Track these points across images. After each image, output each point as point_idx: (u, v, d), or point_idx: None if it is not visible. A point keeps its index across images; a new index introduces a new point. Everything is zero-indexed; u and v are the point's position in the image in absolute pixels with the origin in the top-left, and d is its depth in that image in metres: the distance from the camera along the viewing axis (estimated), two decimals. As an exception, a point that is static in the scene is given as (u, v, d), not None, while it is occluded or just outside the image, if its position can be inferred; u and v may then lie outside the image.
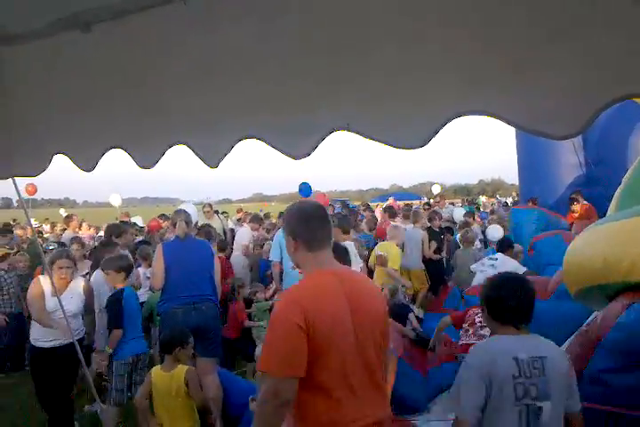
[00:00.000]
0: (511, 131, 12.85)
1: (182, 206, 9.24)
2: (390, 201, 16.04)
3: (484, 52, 1.23)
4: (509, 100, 1.29)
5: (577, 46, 1.15)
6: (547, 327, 2.70)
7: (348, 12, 1.32)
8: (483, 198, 26.10)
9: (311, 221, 1.95)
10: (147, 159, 1.69)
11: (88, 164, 1.83)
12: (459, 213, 11.36)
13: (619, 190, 3.78)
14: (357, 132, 1.42)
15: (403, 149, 1.37)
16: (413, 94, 1.36)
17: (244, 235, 8.49)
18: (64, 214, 13.45)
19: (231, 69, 1.52)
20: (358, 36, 1.32)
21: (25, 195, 18.87)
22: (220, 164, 1.58)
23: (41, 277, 3.90)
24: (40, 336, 3.71)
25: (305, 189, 14.66)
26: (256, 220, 9.34)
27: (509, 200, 21.33)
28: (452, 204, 19.66)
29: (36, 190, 18.78)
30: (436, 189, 24.80)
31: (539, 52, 1.21)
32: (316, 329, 1.81)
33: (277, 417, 1.83)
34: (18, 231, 11.00)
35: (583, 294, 2.72)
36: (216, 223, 9.97)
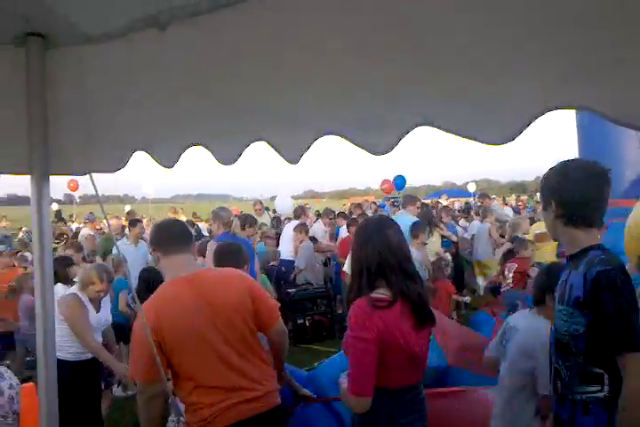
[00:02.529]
0: (572, 126, 12.37)
1: (278, 200, 9.43)
2: (444, 198, 15.82)
3: (579, 48, 1.18)
4: (602, 94, 1.24)
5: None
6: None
7: (434, 3, 1.29)
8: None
9: (161, 230, 2.53)
10: (227, 156, 1.73)
11: (168, 160, 1.88)
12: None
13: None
14: (440, 128, 1.40)
15: (488, 144, 1.34)
16: (500, 88, 1.33)
17: (318, 230, 8.52)
18: (127, 210, 13.98)
19: (309, 65, 1.53)
20: (445, 28, 1.30)
21: (67, 191, 19.67)
22: (301, 159, 1.59)
23: (77, 290, 3.95)
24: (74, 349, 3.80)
25: (400, 181, 14.62)
26: (328, 215, 9.39)
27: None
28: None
29: (77, 187, 19.50)
30: (471, 188, 24.33)
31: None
32: (163, 335, 2.20)
33: (150, 409, 2.24)
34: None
35: None
36: (266, 220, 10.12)
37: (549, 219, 2.00)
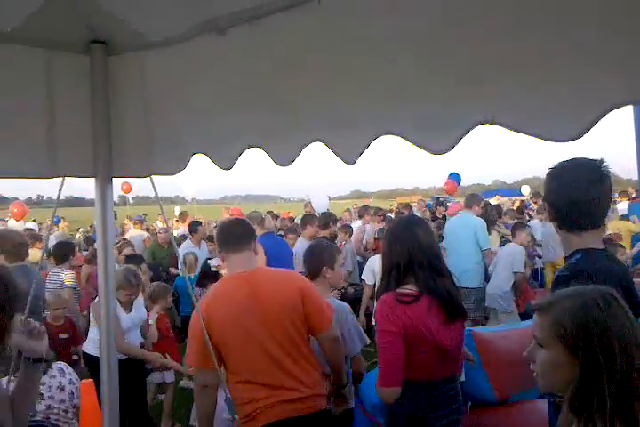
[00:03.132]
0: (630, 123, 11.87)
1: (314, 199, 9.45)
2: (497, 198, 15.48)
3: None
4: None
5: None
6: None
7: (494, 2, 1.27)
8: None
9: (223, 231, 2.65)
10: (284, 157, 1.74)
11: (227, 162, 1.91)
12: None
13: None
14: (503, 125, 1.36)
15: (555, 141, 1.30)
16: (568, 83, 1.28)
17: (370, 232, 8.49)
18: (177, 211, 14.30)
19: (366, 65, 1.52)
20: (508, 27, 1.27)
21: (121, 193, 20.25)
22: (358, 160, 1.58)
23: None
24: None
25: (455, 177, 14.63)
26: (378, 213, 9.34)
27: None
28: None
29: (131, 189, 19.96)
30: (525, 190, 23.65)
31: None
32: (212, 328, 2.30)
33: (202, 398, 2.40)
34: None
35: None
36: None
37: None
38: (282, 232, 8.88)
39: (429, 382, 2.21)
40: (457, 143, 1.42)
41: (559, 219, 1.89)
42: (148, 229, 12.67)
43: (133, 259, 4.73)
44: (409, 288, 2.21)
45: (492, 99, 1.39)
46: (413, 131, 1.49)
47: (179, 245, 7.55)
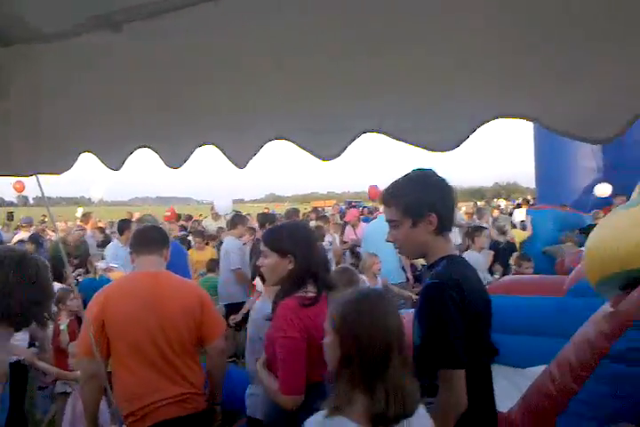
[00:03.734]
0: (529, 134, 12.74)
1: (216, 202, 9.02)
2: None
3: (525, 55, 1.21)
4: (551, 104, 1.26)
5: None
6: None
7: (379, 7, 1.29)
8: (502, 201, 25.69)
9: (138, 235, 2.72)
10: (175, 159, 1.70)
11: (115, 162, 1.84)
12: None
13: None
14: (388, 134, 1.40)
15: (435, 151, 1.36)
16: (445, 98, 1.34)
17: None
18: (80, 212, 13.53)
19: (260, 69, 1.52)
20: (393, 34, 1.31)
21: (14, 193, 19.05)
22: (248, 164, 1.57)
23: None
24: None
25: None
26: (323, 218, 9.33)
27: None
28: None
29: (24, 188, 18.77)
30: None
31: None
32: (109, 319, 2.37)
33: (88, 387, 2.44)
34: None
35: (607, 282, 2.62)
36: (223, 224, 10.10)
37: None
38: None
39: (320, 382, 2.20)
40: (344, 149, 1.45)
41: (436, 223, 1.80)
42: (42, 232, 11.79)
43: None
44: (310, 290, 2.18)
45: (378, 109, 1.43)
46: (304, 136, 1.50)
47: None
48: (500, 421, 1.98)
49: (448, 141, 1.36)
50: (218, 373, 2.66)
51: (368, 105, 1.43)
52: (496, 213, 12.20)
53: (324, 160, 1.48)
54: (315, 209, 12.27)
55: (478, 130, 1.31)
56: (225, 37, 1.49)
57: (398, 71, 1.36)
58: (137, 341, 2.38)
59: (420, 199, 1.78)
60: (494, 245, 7.20)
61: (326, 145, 1.48)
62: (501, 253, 7.18)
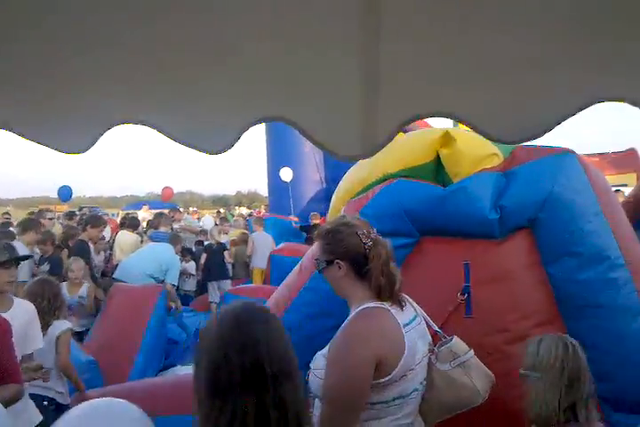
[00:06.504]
0: (262, 143, 13.53)
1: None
2: (145, 209, 15.51)
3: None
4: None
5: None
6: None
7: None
8: (244, 210, 26.06)
9: None
10: None
11: None
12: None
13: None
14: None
15: (207, 154, 1.39)
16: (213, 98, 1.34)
17: None
18: None
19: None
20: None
21: None
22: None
23: None
24: None
25: (65, 192, 13.70)
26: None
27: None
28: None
29: None
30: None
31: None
32: None
33: None
34: None
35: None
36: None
37: None
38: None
39: None
40: (92, 145, 1.43)
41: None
42: None
43: None
44: None
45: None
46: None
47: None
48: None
49: (217, 145, 1.38)
50: None
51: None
52: (241, 220, 12.91)
53: (67, 153, 1.44)
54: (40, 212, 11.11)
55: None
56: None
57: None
58: None
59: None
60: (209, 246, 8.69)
61: (69, 139, 1.43)
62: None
